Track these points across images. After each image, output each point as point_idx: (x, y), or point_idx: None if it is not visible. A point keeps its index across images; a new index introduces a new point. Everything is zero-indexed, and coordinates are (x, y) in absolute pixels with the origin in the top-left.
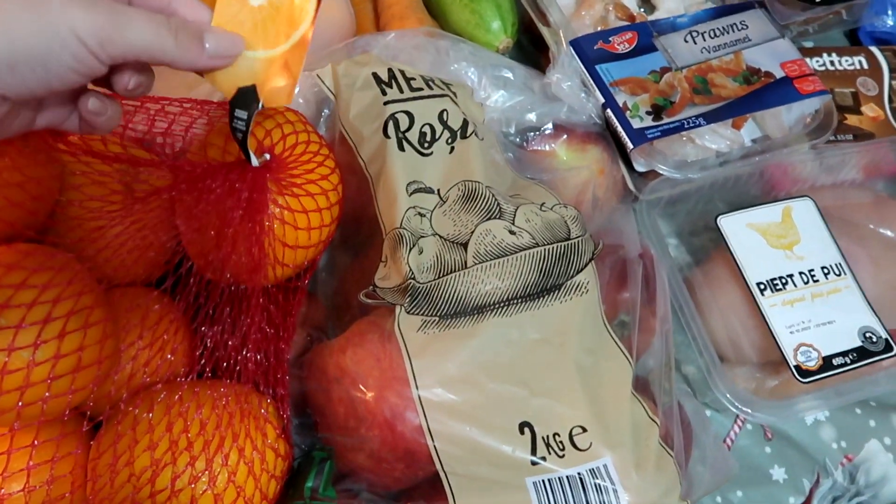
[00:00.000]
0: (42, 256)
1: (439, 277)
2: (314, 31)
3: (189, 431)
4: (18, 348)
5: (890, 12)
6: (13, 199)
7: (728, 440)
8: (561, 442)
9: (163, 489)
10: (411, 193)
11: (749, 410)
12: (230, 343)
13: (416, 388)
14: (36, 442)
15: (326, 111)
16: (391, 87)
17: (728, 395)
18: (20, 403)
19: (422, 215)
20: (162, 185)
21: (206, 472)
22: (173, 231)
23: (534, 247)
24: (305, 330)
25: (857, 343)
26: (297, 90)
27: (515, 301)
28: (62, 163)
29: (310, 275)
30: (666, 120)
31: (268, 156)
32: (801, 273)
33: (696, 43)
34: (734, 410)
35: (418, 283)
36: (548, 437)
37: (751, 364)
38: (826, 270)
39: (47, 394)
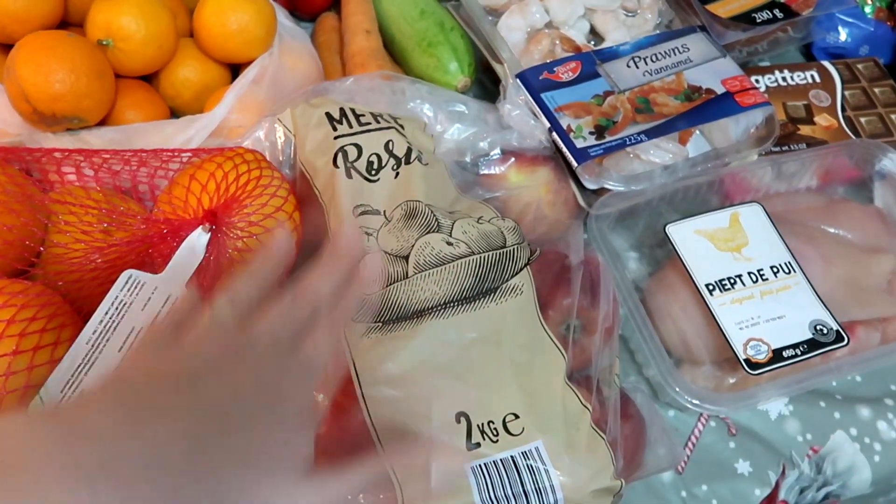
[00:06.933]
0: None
1: (382, 289)
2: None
3: None
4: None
5: (840, 28)
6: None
7: (693, 438)
8: (495, 428)
9: None
10: (358, 216)
11: (701, 403)
12: None
13: (360, 386)
14: None
15: (289, 151)
16: (341, 124)
17: (683, 393)
18: None
19: (368, 234)
20: (136, 237)
21: None
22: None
23: (470, 255)
24: None
25: (808, 336)
26: (262, 133)
27: (453, 304)
28: (49, 211)
29: None
30: (608, 138)
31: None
32: (749, 273)
33: (638, 67)
34: (690, 407)
35: (363, 295)
36: (482, 424)
37: (709, 364)
38: (775, 269)
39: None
